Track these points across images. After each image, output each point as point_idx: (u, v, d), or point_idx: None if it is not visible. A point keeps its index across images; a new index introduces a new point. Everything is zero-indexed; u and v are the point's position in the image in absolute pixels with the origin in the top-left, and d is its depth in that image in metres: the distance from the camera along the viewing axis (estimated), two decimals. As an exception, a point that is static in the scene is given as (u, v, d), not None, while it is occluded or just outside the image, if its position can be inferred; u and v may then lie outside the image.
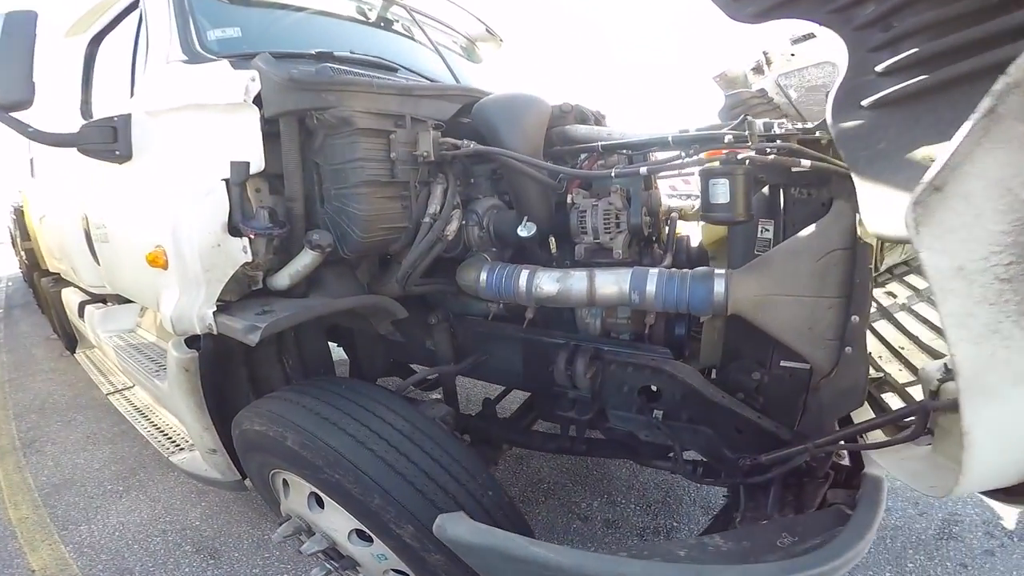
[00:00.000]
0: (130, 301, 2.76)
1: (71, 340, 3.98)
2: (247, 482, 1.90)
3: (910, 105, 0.91)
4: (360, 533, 1.41)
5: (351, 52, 1.92)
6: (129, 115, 1.73)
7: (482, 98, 1.73)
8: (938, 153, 0.86)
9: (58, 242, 2.99)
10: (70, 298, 3.43)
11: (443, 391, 2.05)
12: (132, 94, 1.89)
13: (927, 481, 1.11)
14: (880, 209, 0.84)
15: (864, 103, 0.96)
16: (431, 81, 2.16)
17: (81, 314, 3.09)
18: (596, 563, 0.98)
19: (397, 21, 2.48)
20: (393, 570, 1.42)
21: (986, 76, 0.81)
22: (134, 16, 1.99)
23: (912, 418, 1.22)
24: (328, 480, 1.26)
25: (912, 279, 2.10)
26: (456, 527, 1.01)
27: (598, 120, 1.97)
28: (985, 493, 1.06)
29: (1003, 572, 1.99)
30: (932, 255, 0.63)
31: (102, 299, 3.05)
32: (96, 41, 2.31)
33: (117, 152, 1.74)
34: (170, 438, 2.24)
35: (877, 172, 0.90)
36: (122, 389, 2.85)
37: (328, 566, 1.55)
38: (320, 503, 1.47)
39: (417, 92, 1.63)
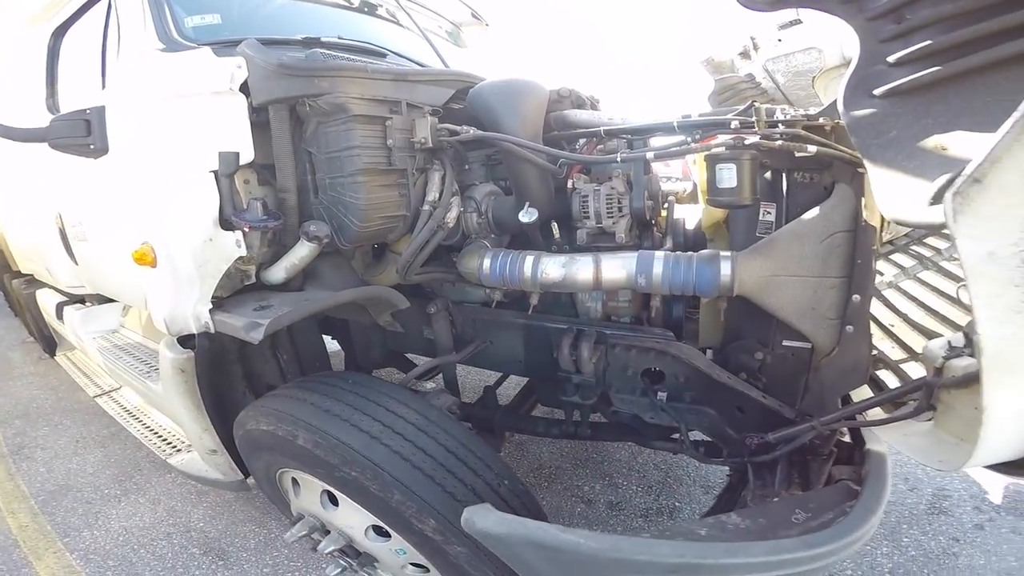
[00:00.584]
0: (110, 300, 2.67)
1: (49, 343, 3.83)
2: (250, 481, 1.87)
3: (922, 95, 0.93)
4: (377, 529, 1.39)
5: (339, 37, 1.86)
6: (103, 107, 1.64)
7: (476, 83, 1.69)
8: (949, 143, 0.88)
9: (30, 242, 2.85)
10: (46, 299, 3.29)
11: (444, 380, 2.03)
12: (104, 85, 1.79)
13: (935, 456, 1.15)
14: (897, 196, 0.85)
15: (876, 92, 0.97)
16: (422, 66, 2.10)
17: (60, 316, 2.97)
18: (629, 545, 0.99)
19: (381, 6, 2.40)
20: (412, 564, 1.42)
21: (996, 69, 0.85)
22: (101, 5, 1.88)
23: (914, 394, 1.26)
24: (344, 478, 1.24)
25: (898, 257, 2.15)
26: (484, 519, 1.00)
27: (593, 105, 1.94)
28: (992, 467, 1.10)
29: (994, 545, 2.05)
30: (968, 241, 0.65)
31: (80, 299, 2.93)
32: (61, 31, 2.18)
33: (92, 146, 1.64)
34: (165, 440, 2.18)
35: (889, 160, 0.92)
36: (109, 391, 2.76)
37: (344, 563, 1.53)
38: (334, 501, 1.45)
39: (412, 77, 1.58)
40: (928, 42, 0.92)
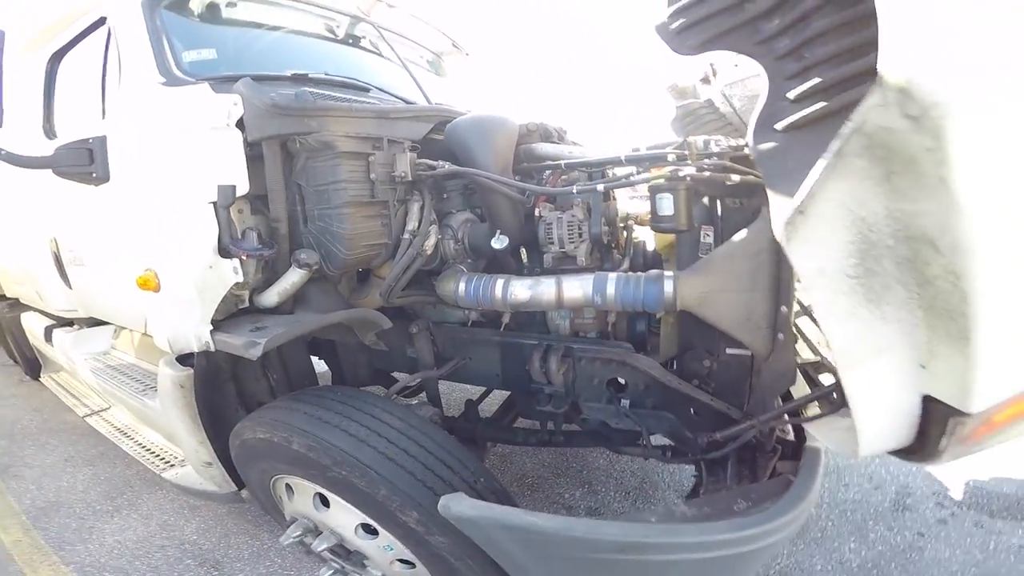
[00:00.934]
0: (100, 323, 2.83)
1: (33, 365, 3.98)
2: (243, 493, 2.04)
3: (813, 129, 1.07)
4: (366, 527, 1.59)
5: (325, 74, 2.06)
6: (104, 137, 1.82)
7: (453, 118, 1.92)
8: None
9: (19, 266, 3.00)
10: (32, 323, 3.45)
11: (427, 395, 2.22)
12: (104, 115, 1.96)
13: (848, 447, 1.37)
14: (783, 223, 1.07)
15: (777, 127, 1.14)
16: (401, 99, 2.33)
17: (49, 338, 3.13)
18: (581, 525, 1.19)
19: (364, 37, 2.63)
20: (399, 560, 1.61)
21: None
22: (99, 33, 2.05)
23: (835, 394, 1.49)
24: (335, 478, 1.44)
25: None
26: (459, 505, 1.21)
27: (560, 135, 2.19)
28: (893, 454, 1.31)
29: (957, 539, 2.24)
30: (799, 260, 0.87)
31: (68, 322, 3.09)
32: (57, 58, 2.34)
33: (94, 174, 1.83)
34: (158, 456, 2.36)
35: (785, 189, 1.06)
36: (99, 411, 2.93)
37: (336, 564, 1.72)
38: (325, 503, 1.64)
39: (393, 115, 1.78)
40: (819, 79, 1.06)
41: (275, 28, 2.24)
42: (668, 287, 1.50)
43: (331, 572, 1.76)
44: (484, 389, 2.69)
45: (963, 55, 0.71)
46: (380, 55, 2.64)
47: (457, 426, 2.29)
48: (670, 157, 1.51)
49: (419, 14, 2.94)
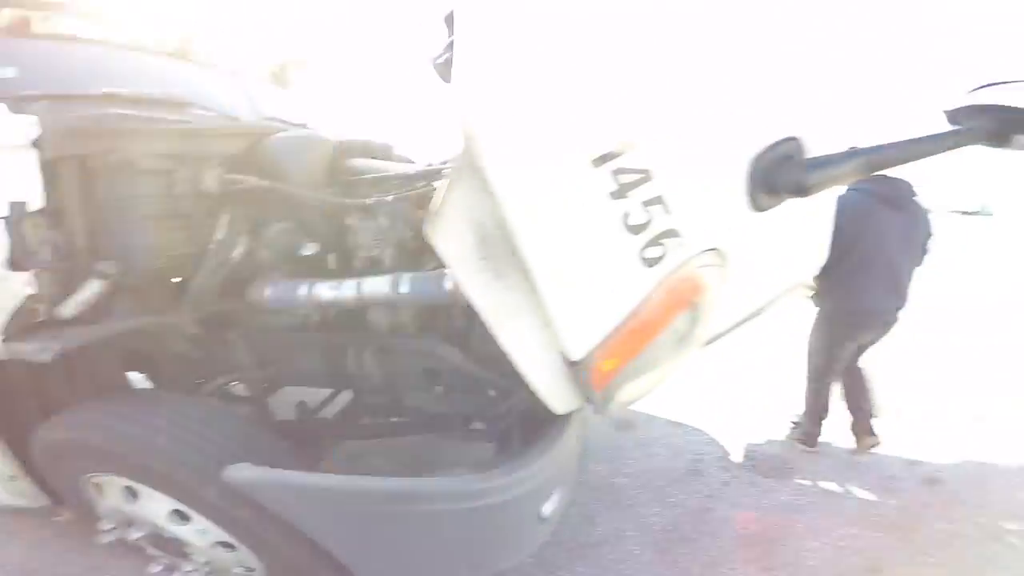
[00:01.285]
0: None
1: None
2: (63, 518, 2.09)
3: None
4: (178, 514, 1.74)
5: (141, 91, 2.18)
6: None
7: (273, 133, 2.15)
8: None
9: None
10: None
11: (253, 400, 2.39)
12: None
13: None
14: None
15: None
16: (226, 114, 2.48)
17: None
18: (350, 480, 1.49)
19: (197, 52, 2.74)
20: (219, 544, 1.78)
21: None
22: None
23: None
24: (136, 465, 1.61)
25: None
26: (240, 471, 1.44)
27: (385, 151, 2.51)
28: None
29: (738, 497, 2.73)
30: (442, 251, 1.23)
31: None
32: None
33: None
34: (-42, 482, 2.30)
35: None
36: None
37: (164, 560, 1.87)
38: (134, 494, 1.78)
39: (205, 132, 1.99)
40: None
41: (90, 42, 2.30)
42: (448, 284, 1.83)
43: (159, 568, 1.91)
44: (329, 392, 2.88)
45: (491, 110, 1.14)
46: (214, 68, 2.77)
47: (292, 428, 2.46)
48: (444, 172, 1.88)
49: (258, 27, 3.11)
